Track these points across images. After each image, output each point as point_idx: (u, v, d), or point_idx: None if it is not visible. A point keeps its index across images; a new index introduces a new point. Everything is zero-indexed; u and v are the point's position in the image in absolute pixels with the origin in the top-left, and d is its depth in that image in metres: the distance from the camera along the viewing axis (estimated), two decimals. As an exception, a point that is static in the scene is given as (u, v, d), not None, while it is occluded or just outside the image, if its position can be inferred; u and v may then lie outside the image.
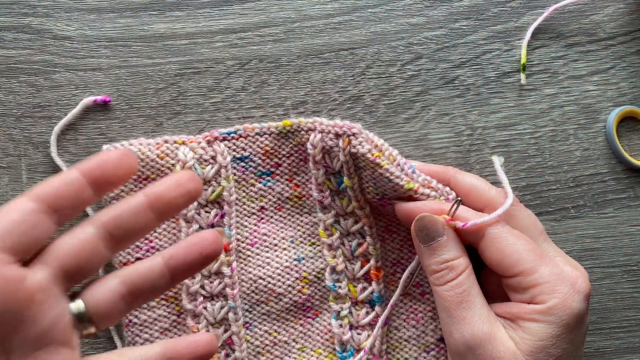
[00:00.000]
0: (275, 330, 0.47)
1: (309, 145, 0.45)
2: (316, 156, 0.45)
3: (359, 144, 0.43)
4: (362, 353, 0.45)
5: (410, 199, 0.44)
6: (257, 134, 0.47)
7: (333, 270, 0.46)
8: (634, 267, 0.49)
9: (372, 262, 0.46)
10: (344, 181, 0.45)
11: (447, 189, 0.44)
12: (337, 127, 0.44)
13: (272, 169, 0.47)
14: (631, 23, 0.51)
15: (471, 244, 0.43)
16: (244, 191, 0.47)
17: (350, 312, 0.46)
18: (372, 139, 0.44)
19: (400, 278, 0.46)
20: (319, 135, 0.44)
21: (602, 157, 0.50)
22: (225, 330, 0.46)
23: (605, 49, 0.51)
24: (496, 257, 0.41)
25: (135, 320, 0.46)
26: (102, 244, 0.32)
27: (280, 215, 0.47)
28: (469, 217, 0.42)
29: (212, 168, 0.46)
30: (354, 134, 0.43)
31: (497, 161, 0.45)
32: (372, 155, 0.43)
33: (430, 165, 0.46)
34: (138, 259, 0.46)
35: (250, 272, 0.47)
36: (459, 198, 0.43)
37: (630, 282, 0.49)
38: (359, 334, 0.46)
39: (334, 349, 0.47)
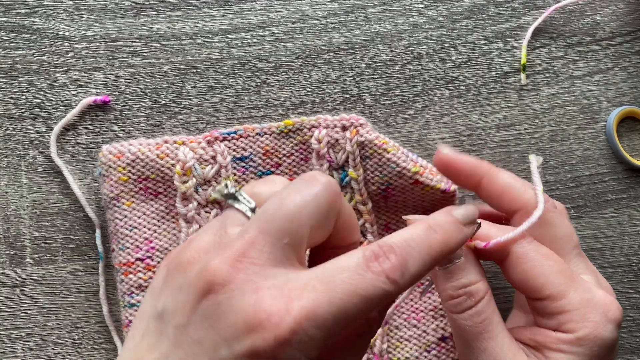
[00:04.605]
0: (275, 331, 0.47)
1: (313, 141, 0.45)
2: (321, 150, 0.45)
3: (367, 133, 0.45)
4: (362, 353, 0.45)
5: (416, 183, 0.44)
6: (257, 134, 0.47)
7: (333, 270, 0.46)
8: (634, 267, 0.49)
9: (372, 261, 0.46)
10: (349, 173, 0.45)
11: (445, 179, 0.45)
12: (344, 120, 0.45)
13: (272, 169, 0.47)
14: (631, 23, 0.51)
15: (494, 261, 0.39)
16: (244, 191, 0.47)
17: (351, 312, 0.46)
18: (377, 134, 0.45)
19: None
20: (324, 131, 0.45)
21: (602, 157, 0.50)
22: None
23: (605, 49, 0.50)
24: (521, 278, 0.37)
25: (135, 320, 0.46)
26: None
27: (281, 216, 0.47)
28: (491, 235, 0.37)
29: (212, 168, 0.46)
30: (361, 125, 0.45)
31: (535, 161, 0.41)
32: (380, 141, 0.44)
33: (464, 156, 0.41)
34: (138, 259, 0.46)
35: (250, 273, 0.47)
36: (479, 221, 0.37)
37: (630, 282, 0.49)
38: (359, 334, 0.46)
39: (334, 350, 0.47)
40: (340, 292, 0.27)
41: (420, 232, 0.31)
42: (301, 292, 0.27)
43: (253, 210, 0.31)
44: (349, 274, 0.28)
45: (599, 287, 0.37)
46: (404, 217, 0.40)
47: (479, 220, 0.37)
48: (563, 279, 0.36)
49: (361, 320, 0.28)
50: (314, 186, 0.30)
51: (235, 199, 0.31)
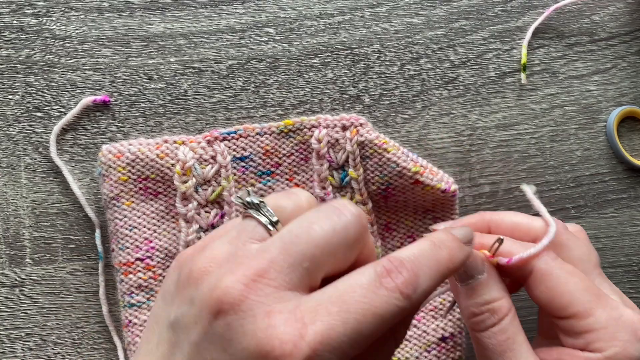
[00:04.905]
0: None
1: (313, 140, 0.45)
2: (321, 150, 0.45)
3: (367, 132, 0.45)
4: (362, 353, 0.45)
5: (416, 183, 0.45)
6: (257, 133, 0.47)
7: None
8: (635, 267, 0.49)
9: (372, 261, 0.46)
10: (349, 173, 0.45)
11: (446, 175, 0.45)
12: (344, 120, 0.45)
13: (272, 169, 0.47)
14: (631, 23, 0.51)
15: (518, 281, 0.38)
16: (244, 191, 0.47)
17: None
18: (377, 134, 0.45)
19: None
20: (324, 131, 0.45)
21: (603, 157, 0.50)
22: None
23: (605, 49, 0.50)
24: (546, 296, 0.36)
25: (135, 320, 0.45)
26: None
27: (281, 215, 0.47)
28: (514, 251, 0.37)
29: (212, 168, 0.46)
30: (361, 125, 0.45)
31: (529, 190, 0.40)
32: (380, 141, 0.44)
33: (463, 219, 0.42)
34: (138, 259, 0.46)
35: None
36: (501, 237, 0.37)
37: (631, 282, 0.49)
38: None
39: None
40: (355, 313, 0.27)
41: (427, 248, 0.31)
42: (314, 315, 0.27)
43: (274, 224, 0.30)
44: (362, 292, 0.27)
45: (626, 307, 0.36)
46: (431, 227, 0.39)
47: (501, 237, 0.37)
48: (589, 296, 0.35)
49: (377, 336, 0.28)
50: (344, 216, 0.30)
51: (258, 209, 0.30)
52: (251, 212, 0.31)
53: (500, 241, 0.37)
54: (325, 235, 0.29)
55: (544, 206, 0.39)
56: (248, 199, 0.31)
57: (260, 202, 0.31)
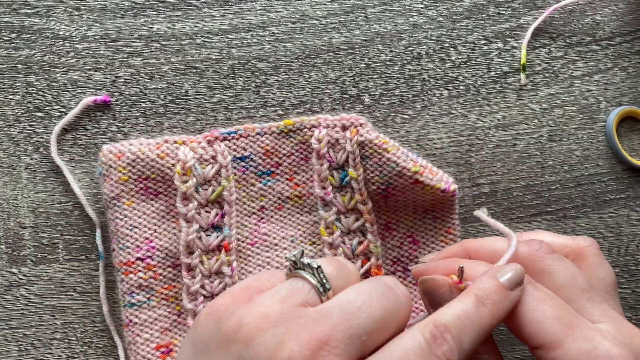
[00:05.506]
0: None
1: (313, 140, 0.46)
2: (321, 150, 0.45)
3: (367, 132, 0.45)
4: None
5: (416, 183, 0.44)
6: (257, 133, 0.47)
7: (333, 270, 0.46)
8: (634, 267, 0.49)
9: (372, 260, 0.46)
10: (349, 173, 0.45)
11: (446, 175, 0.46)
12: (344, 120, 0.45)
13: (272, 169, 0.47)
14: (631, 23, 0.51)
15: None
16: (244, 191, 0.47)
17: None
18: (377, 133, 0.45)
19: (400, 277, 0.46)
20: (324, 131, 0.45)
21: (602, 157, 0.50)
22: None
23: (605, 49, 0.51)
24: (514, 324, 0.34)
25: (136, 320, 0.46)
26: None
27: (281, 215, 0.47)
28: (479, 274, 0.35)
29: (212, 168, 0.46)
30: (361, 125, 0.45)
31: (483, 213, 0.41)
32: (380, 141, 0.44)
33: (445, 250, 0.41)
34: (138, 259, 0.46)
35: (250, 272, 0.47)
36: (461, 265, 0.36)
37: (630, 282, 0.49)
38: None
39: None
40: None
41: (471, 309, 0.31)
42: None
43: (327, 291, 0.30)
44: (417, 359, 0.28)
45: (606, 338, 0.33)
46: (412, 267, 0.40)
47: (461, 264, 0.36)
48: (559, 325, 0.33)
49: None
50: (399, 297, 0.31)
51: (312, 272, 0.30)
52: (304, 273, 0.30)
53: (461, 269, 0.36)
54: (384, 313, 0.29)
55: (501, 224, 0.39)
56: (304, 260, 0.31)
57: (319, 266, 0.30)
